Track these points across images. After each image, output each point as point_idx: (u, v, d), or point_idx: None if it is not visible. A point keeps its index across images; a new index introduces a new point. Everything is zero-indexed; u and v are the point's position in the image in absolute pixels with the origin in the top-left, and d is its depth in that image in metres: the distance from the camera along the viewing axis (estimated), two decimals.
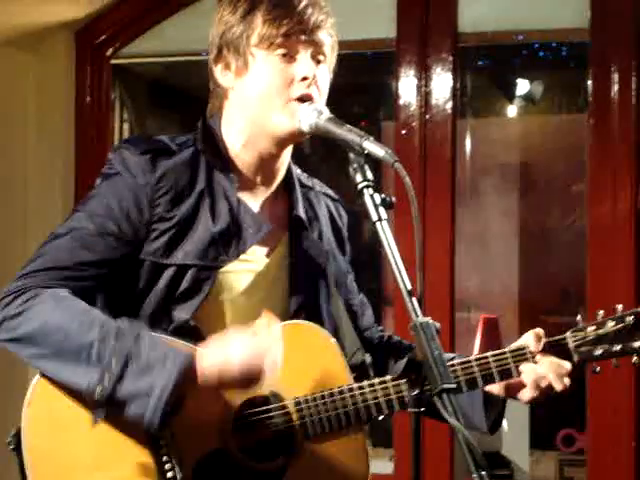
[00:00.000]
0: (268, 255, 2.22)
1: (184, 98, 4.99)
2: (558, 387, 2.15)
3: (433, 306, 3.86)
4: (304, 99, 2.13)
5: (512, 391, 2.20)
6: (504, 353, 2.16)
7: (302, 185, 2.34)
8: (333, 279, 2.31)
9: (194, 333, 2.09)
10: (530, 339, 2.18)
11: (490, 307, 5.43)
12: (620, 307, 2.19)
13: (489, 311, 5.02)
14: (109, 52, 4.56)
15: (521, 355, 2.16)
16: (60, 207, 4.38)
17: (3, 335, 2.06)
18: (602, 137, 3.95)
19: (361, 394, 2.12)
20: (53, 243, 2.10)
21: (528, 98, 6.27)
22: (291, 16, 2.13)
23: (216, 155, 2.20)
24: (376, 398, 2.12)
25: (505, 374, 2.15)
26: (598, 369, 2.20)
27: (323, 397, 2.12)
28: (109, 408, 2.01)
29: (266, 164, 2.22)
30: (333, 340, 2.18)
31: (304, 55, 2.15)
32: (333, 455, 2.14)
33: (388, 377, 2.14)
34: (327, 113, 2.09)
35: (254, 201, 2.23)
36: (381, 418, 2.14)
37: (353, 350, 2.28)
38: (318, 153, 5.80)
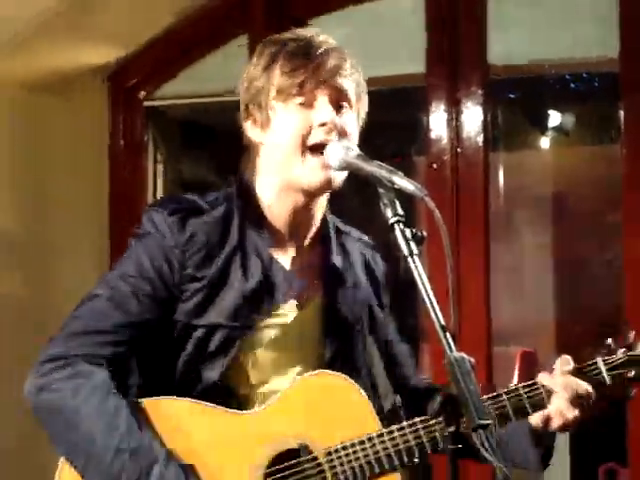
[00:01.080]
0: (301, 307, 2.21)
1: (216, 138, 5.02)
2: (573, 412, 2.13)
3: (469, 341, 3.84)
4: (323, 146, 2.12)
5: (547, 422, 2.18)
6: (526, 386, 2.15)
7: (338, 231, 2.33)
8: (367, 326, 2.30)
9: (223, 393, 2.11)
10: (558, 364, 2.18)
11: (526, 340, 5.39)
12: (632, 335, 2.19)
13: (525, 344, 4.98)
14: (142, 95, 4.60)
15: (534, 390, 2.15)
16: (95, 252, 4.40)
17: (37, 405, 2.07)
18: (636, 167, 3.92)
19: (391, 439, 2.11)
20: (89, 305, 2.13)
21: (560, 130, 6.24)
22: (307, 65, 2.14)
23: (250, 210, 2.20)
24: (407, 442, 2.11)
25: (536, 405, 2.14)
26: (634, 392, 2.19)
27: (353, 445, 2.10)
28: None
29: (298, 216, 2.22)
30: (359, 389, 2.16)
31: (322, 101, 2.15)
32: None
33: (417, 419, 2.12)
34: (356, 150, 2.09)
35: (285, 256, 2.22)
36: (416, 462, 2.12)
37: (386, 394, 2.26)
38: (350, 188, 5.79)
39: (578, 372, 2.17)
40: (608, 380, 2.17)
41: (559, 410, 2.14)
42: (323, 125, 2.14)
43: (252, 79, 2.19)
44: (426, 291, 1.85)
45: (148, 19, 4.35)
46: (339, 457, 2.10)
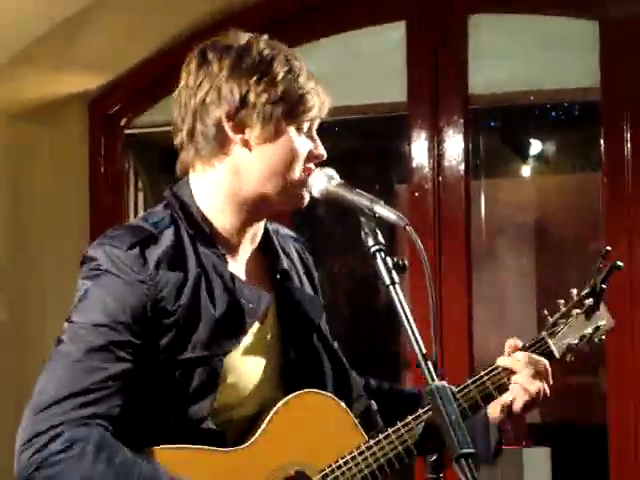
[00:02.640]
0: (262, 322, 2.17)
1: None
2: (535, 386, 2.17)
3: (452, 370, 3.84)
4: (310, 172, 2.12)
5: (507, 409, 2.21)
6: (482, 377, 2.19)
7: (273, 232, 2.28)
8: (325, 326, 2.28)
9: (212, 436, 2.05)
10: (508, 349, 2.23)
11: None
12: (575, 291, 2.28)
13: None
14: (123, 122, 4.60)
15: (496, 374, 2.19)
16: (76, 279, 4.38)
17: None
18: (616, 196, 3.94)
19: (380, 448, 2.11)
20: (64, 365, 1.98)
21: (541, 158, 6.28)
22: (318, 91, 2.12)
23: (198, 228, 2.11)
24: (395, 448, 2.11)
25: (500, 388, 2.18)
26: (571, 358, 2.27)
27: (347, 462, 2.10)
28: None
29: (252, 228, 2.17)
30: (339, 402, 2.16)
31: (314, 131, 2.16)
32: None
33: (399, 424, 2.12)
34: (337, 178, 2.08)
35: (239, 265, 2.16)
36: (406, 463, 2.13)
37: (357, 396, 2.25)
38: (332, 215, 5.80)
39: (531, 351, 2.22)
40: (557, 353, 2.24)
41: (522, 387, 2.17)
42: (318, 157, 2.14)
43: (255, 87, 2.07)
44: (407, 320, 1.84)
45: (130, 46, 4.35)
46: (335, 477, 2.09)
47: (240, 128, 2.09)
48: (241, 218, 2.14)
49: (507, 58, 4.27)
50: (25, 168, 4.35)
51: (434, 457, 1.87)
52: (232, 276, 2.12)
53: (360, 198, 1.98)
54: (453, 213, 4.12)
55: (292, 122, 2.10)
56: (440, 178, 4.14)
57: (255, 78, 2.07)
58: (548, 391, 2.20)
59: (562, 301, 2.28)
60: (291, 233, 2.36)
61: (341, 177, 2.09)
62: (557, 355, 2.23)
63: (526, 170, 6.37)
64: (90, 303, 2.03)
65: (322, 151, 2.15)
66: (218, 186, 2.12)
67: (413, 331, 1.83)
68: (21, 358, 4.15)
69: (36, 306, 4.29)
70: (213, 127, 2.09)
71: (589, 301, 2.27)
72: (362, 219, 1.95)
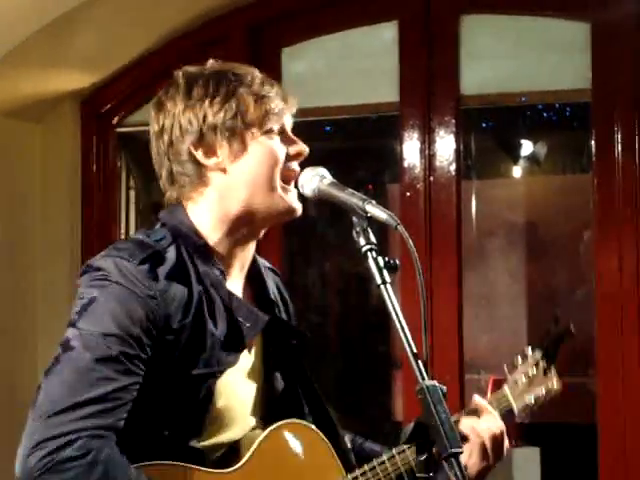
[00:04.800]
0: (249, 351, 2.17)
1: None
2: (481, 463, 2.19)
3: (442, 368, 3.84)
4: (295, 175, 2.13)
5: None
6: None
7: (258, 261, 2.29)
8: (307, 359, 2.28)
9: (196, 456, 2.05)
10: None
11: (499, 368, 5.40)
12: (529, 350, 2.38)
13: (497, 372, 4.99)
14: (115, 120, 4.60)
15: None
16: (67, 276, 4.38)
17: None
18: (606, 197, 3.95)
19: None
20: (77, 372, 1.94)
21: (532, 159, 6.29)
22: (277, 92, 2.13)
23: (197, 248, 2.12)
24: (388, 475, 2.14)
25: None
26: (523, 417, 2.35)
27: None
28: None
29: (245, 249, 2.18)
30: (321, 437, 2.17)
31: (289, 129, 2.16)
32: None
33: (384, 456, 2.15)
34: (329, 177, 2.07)
35: (234, 285, 2.17)
36: None
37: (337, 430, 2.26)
38: (324, 215, 5.81)
39: (492, 404, 2.26)
40: (516, 410, 2.31)
41: (471, 460, 2.19)
42: (298, 155, 2.14)
43: (211, 108, 2.10)
44: (398, 319, 1.84)
45: (122, 44, 4.36)
46: None
47: (210, 153, 2.11)
48: (235, 238, 2.15)
49: (499, 59, 4.28)
50: (17, 166, 4.35)
51: (424, 457, 1.87)
52: (230, 294, 2.13)
53: (352, 197, 1.98)
54: (444, 213, 4.13)
55: (258, 130, 2.11)
56: (432, 178, 4.15)
57: (208, 101, 2.10)
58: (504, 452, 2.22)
59: (519, 357, 2.38)
60: (267, 264, 2.37)
61: (333, 177, 2.09)
62: (516, 412, 2.32)
63: (517, 170, 6.38)
64: (100, 312, 1.99)
65: (300, 148, 2.15)
66: (209, 212, 2.14)
67: (404, 330, 1.83)
68: (13, 358, 4.16)
69: (27, 304, 4.29)
70: (188, 162, 2.12)
71: (543, 364, 2.37)
72: (354, 218, 1.95)
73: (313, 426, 2.18)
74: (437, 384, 1.79)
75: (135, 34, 4.34)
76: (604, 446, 3.92)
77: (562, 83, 4.18)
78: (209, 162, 2.11)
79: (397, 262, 1.91)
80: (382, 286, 1.88)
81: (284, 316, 2.30)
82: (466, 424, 2.19)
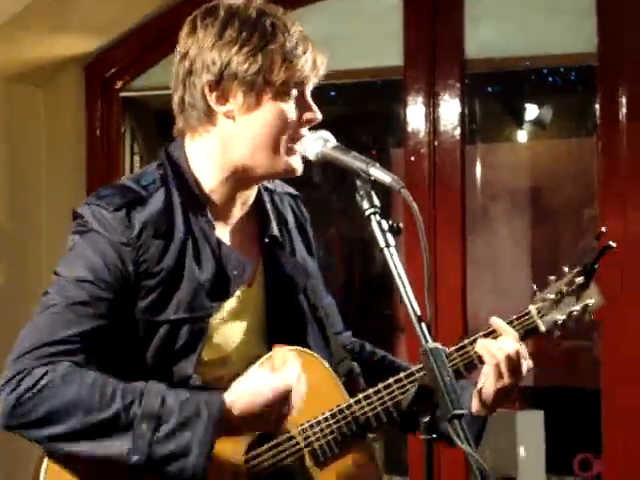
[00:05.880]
0: (250, 284, 2.19)
1: None
2: (501, 382, 2.15)
3: (445, 332, 3.85)
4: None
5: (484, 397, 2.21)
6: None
7: (265, 189, 2.28)
8: (313, 294, 2.29)
9: (197, 388, 2.07)
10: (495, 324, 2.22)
11: None
12: (566, 269, 2.25)
13: None
14: (119, 85, 4.60)
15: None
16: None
17: (16, 421, 1.98)
18: (611, 160, 3.95)
19: (360, 408, 2.15)
20: (46, 315, 2.03)
21: (537, 123, 6.28)
22: (307, 56, 2.09)
23: (189, 192, 2.13)
24: (374, 409, 2.15)
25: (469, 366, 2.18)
26: (558, 334, 2.25)
27: (326, 419, 2.15)
28: (149, 470, 1.98)
29: (242, 196, 2.18)
30: (322, 362, 2.20)
31: (308, 95, 2.13)
32: (347, 476, 2.17)
33: (381, 385, 2.16)
34: (333, 141, 2.07)
35: (228, 230, 2.18)
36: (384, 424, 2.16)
37: (339, 359, 2.28)
38: (329, 181, 5.81)
39: (513, 324, 2.21)
40: (542, 327, 2.22)
41: (488, 380, 2.17)
42: (310, 121, 2.12)
43: (238, 56, 2.06)
44: (402, 282, 1.85)
45: (126, 9, 4.34)
46: (314, 432, 2.14)
47: (223, 99, 2.09)
48: (232, 185, 2.15)
49: (504, 23, 4.26)
50: (21, 131, 4.35)
51: (427, 418, 1.89)
52: (219, 242, 2.14)
53: (355, 160, 1.98)
54: (448, 177, 4.13)
55: (276, 90, 2.08)
56: (436, 142, 4.14)
57: (236, 48, 2.06)
58: (523, 371, 2.18)
59: (553, 277, 2.27)
60: (288, 190, 2.36)
61: (337, 141, 2.09)
62: (543, 329, 2.22)
63: (522, 135, 6.37)
64: (76, 258, 2.07)
65: (315, 115, 2.13)
66: (209, 154, 2.13)
67: (407, 293, 1.84)
68: (20, 315, 4.17)
69: (34, 268, 4.30)
70: (199, 98, 2.10)
71: (580, 279, 2.25)
72: (357, 181, 1.95)
73: (315, 354, 2.20)
74: (440, 346, 1.81)
75: None
76: (607, 409, 3.93)
77: (568, 47, 4.16)
78: (219, 108, 2.10)
79: (400, 225, 1.92)
80: (385, 249, 1.89)
81: (289, 247, 2.28)
82: (481, 345, 2.18)
